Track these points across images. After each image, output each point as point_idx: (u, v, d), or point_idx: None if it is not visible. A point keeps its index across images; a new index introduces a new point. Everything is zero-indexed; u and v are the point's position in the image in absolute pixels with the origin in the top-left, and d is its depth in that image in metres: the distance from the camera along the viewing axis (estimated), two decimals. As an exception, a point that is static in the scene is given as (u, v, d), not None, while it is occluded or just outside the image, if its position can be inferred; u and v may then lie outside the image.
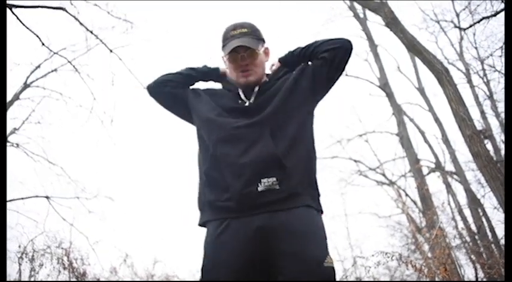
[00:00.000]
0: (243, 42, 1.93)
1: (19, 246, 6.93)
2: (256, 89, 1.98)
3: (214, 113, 1.91)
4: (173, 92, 2.05)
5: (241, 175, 1.74)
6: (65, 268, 7.20)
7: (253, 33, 2.00)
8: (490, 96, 10.97)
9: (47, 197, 9.71)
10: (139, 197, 19.25)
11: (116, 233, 12.61)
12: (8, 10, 6.42)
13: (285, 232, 1.69)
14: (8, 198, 9.48)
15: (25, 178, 10.70)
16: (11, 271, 6.45)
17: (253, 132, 1.79)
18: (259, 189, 1.71)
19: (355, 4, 12.30)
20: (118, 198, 10.46)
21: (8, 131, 10.41)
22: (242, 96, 1.97)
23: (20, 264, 6.71)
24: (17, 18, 6.55)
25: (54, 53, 9.13)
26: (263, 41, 2.05)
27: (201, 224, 1.88)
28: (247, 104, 1.94)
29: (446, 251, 4.47)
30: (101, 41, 7.90)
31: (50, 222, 8.50)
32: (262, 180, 1.72)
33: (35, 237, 7.14)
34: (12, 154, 10.24)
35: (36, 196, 9.78)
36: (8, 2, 6.32)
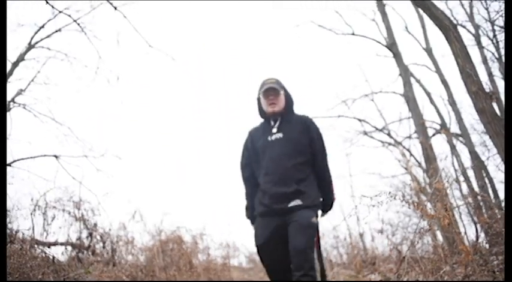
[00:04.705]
0: (272, 85, 3.35)
1: (31, 200, 7.03)
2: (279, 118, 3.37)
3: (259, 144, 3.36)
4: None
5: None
6: (76, 220, 7.40)
7: (278, 83, 3.40)
8: (499, 58, 10.80)
9: (56, 156, 9.82)
10: (146, 154, 19.26)
11: (125, 190, 12.72)
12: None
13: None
14: (16, 158, 9.61)
15: (33, 138, 10.75)
16: (24, 226, 6.56)
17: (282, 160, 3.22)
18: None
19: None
20: (125, 157, 10.52)
21: (14, 92, 10.44)
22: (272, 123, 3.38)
23: (32, 219, 6.82)
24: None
25: (59, 12, 9.07)
26: (284, 88, 3.42)
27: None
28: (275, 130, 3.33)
29: (447, 204, 4.56)
30: (105, -3, 7.83)
31: (60, 181, 8.61)
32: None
33: (47, 191, 7.21)
34: (19, 115, 10.30)
35: (45, 155, 9.85)
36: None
